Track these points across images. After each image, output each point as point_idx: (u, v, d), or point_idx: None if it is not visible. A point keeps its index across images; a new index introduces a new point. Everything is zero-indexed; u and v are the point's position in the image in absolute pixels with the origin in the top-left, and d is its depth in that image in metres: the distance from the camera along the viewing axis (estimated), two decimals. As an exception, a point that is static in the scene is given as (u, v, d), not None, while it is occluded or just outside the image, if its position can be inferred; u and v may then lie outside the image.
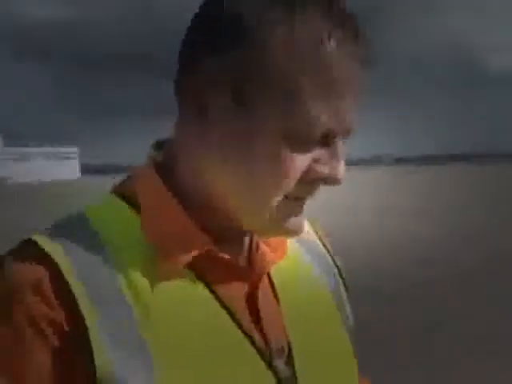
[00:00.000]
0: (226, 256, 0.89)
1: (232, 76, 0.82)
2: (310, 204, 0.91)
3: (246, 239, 0.95)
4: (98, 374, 0.79)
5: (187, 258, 0.87)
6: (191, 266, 0.87)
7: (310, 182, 0.85)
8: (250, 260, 0.95)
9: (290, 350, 0.93)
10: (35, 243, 0.83)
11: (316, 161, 0.84)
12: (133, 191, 0.91)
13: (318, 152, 0.84)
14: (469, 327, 6.99)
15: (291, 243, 1.02)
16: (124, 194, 0.92)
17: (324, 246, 1.10)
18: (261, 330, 0.91)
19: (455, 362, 5.92)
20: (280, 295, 0.96)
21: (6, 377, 0.79)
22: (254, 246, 0.95)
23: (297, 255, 1.03)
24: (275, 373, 0.90)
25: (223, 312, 0.88)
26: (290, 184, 0.84)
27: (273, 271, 0.97)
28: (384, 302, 8.23)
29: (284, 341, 0.93)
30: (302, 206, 0.88)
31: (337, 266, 1.09)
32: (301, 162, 0.83)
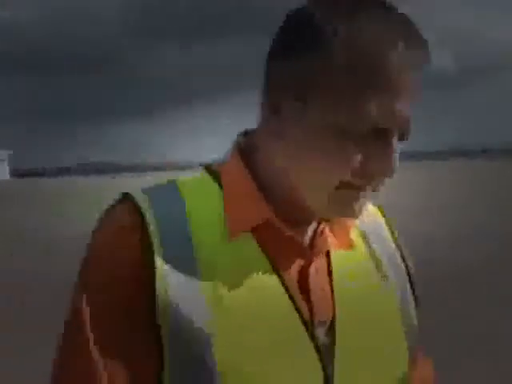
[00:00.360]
0: (286, 229, 1.00)
1: (298, 79, 0.93)
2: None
3: (313, 224, 1.04)
4: (157, 301, 0.92)
5: (251, 223, 0.99)
6: (255, 234, 0.99)
7: (365, 175, 0.93)
8: (313, 242, 1.04)
9: (333, 324, 1.01)
10: (128, 197, 0.99)
11: (371, 155, 0.92)
12: (220, 168, 1.05)
13: (374, 147, 0.92)
14: (469, 327, 6.99)
15: (360, 232, 1.11)
16: (212, 171, 1.05)
17: (396, 243, 1.15)
18: (308, 301, 1.00)
19: (455, 361, 5.92)
20: (335, 277, 1.04)
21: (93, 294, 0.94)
22: (319, 230, 1.05)
23: (362, 244, 1.11)
24: (314, 339, 0.98)
25: (274, 278, 0.98)
26: (345, 173, 0.93)
27: (335, 257, 1.06)
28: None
29: (329, 314, 1.01)
30: (360, 194, 0.96)
31: (408, 271, 1.13)
32: (357, 153, 0.92)
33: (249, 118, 1.10)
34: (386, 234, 1.15)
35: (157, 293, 0.92)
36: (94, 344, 0.92)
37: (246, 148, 1.05)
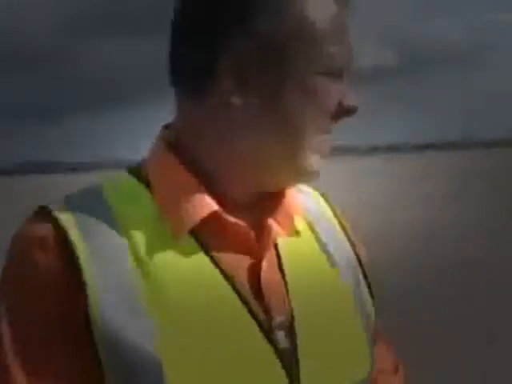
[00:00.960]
0: (232, 219, 0.92)
1: (262, 37, 0.89)
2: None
3: (255, 215, 0.97)
4: (90, 316, 0.84)
5: (193, 221, 0.90)
6: (196, 232, 0.91)
7: (341, 113, 0.93)
8: (257, 233, 0.95)
9: (292, 323, 0.93)
10: (46, 208, 0.90)
11: (343, 92, 0.93)
12: (144, 169, 0.96)
13: (342, 85, 0.93)
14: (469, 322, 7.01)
15: (307, 222, 1.04)
16: (136, 172, 0.96)
17: (345, 233, 1.09)
18: (262, 301, 0.92)
19: (455, 362, 5.93)
20: (287, 270, 0.97)
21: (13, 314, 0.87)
22: (262, 222, 0.97)
23: (313, 239, 1.04)
24: (274, 343, 0.90)
25: (222, 280, 0.90)
26: (328, 116, 0.92)
27: (281, 246, 0.98)
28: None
29: (287, 313, 0.94)
30: (328, 145, 0.95)
31: (359, 261, 1.08)
32: (334, 93, 0.92)
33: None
34: (333, 223, 1.09)
35: (90, 312, 0.84)
36: (19, 365, 0.85)
37: (174, 140, 0.96)
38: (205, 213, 0.91)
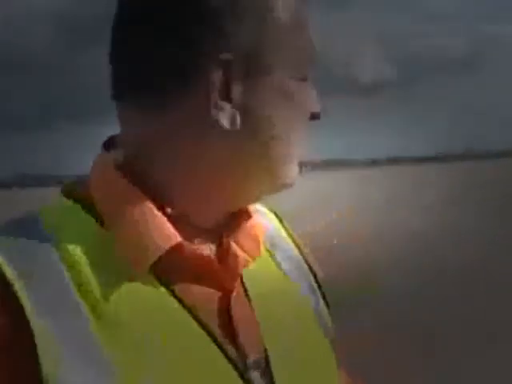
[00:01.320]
0: (196, 249, 0.82)
1: (243, 46, 0.81)
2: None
3: (214, 236, 0.87)
4: (43, 381, 0.72)
5: (154, 256, 0.79)
6: (156, 268, 0.80)
7: (313, 117, 0.89)
8: (221, 262, 0.86)
9: (267, 360, 0.86)
10: None
11: (314, 97, 0.89)
12: (87, 193, 0.83)
13: (310, 89, 0.88)
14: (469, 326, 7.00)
15: (264, 247, 0.95)
16: (75, 196, 0.84)
17: (300, 252, 1.02)
18: (234, 340, 0.84)
19: (455, 362, 5.92)
20: (254, 302, 0.89)
21: None
22: (224, 245, 0.88)
23: (270, 259, 0.97)
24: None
25: (191, 321, 0.81)
26: (306, 121, 0.88)
27: (246, 277, 0.90)
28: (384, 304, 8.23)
29: (261, 351, 0.86)
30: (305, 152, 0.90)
31: (315, 276, 1.01)
32: (311, 93, 0.88)
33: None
34: (287, 241, 1.02)
35: (44, 373, 0.72)
36: None
37: (124, 159, 0.84)
38: (167, 246, 0.80)
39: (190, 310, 0.81)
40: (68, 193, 0.85)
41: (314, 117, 0.89)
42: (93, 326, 0.75)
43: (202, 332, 0.81)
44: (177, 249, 0.80)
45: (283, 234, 1.03)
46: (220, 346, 0.81)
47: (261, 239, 0.91)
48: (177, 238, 0.80)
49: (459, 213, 19.79)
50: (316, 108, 0.88)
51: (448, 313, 7.67)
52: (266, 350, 0.87)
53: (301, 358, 0.91)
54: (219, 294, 0.85)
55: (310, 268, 1.02)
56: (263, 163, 0.84)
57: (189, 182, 0.83)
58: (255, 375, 0.84)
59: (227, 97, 0.81)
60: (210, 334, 0.81)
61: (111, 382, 0.74)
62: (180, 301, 0.81)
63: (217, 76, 0.80)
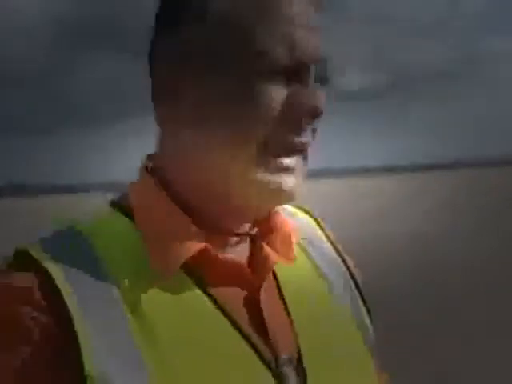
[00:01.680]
0: (222, 255, 0.84)
1: (192, 43, 0.83)
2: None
3: (247, 241, 0.90)
4: (87, 378, 0.75)
5: (182, 258, 0.82)
6: (187, 268, 0.83)
7: (291, 118, 0.82)
8: (252, 263, 0.88)
9: (299, 356, 0.87)
10: (26, 253, 0.81)
11: (291, 93, 0.82)
12: (128, 202, 0.88)
13: (293, 87, 0.82)
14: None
15: (303, 249, 0.97)
16: (120, 206, 0.88)
17: (339, 254, 1.02)
18: (265, 336, 0.84)
19: (455, 365, 5.95)
20: (289, 301, 0.90)
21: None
22: (257, 247, 0.90)
23: (306, 260, 0.97)
24: (283, 382, 0.84)
25: (222, 318, 0.82)
26: (267, 121, 0.81)
27: (279, 274, 0.91)
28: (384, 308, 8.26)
29: (293, 347, 0.87)
30: (292, 161, 0.83)
31: (353, 278, 1.01)
32: (275, 93, 0.81)
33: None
34: (324, 241, 1.01)
35: (86, 369, 0.75)
36: None
37: (156, 169, 0.88)
38: (192, 252, 0.82)
39: (222, 308, 0.83)
40: (113, 202, 0.89)
41: (302, 115, 0.82)
42: (131, 325, 0.78)
43: (233, 330, 0.82)
44: (203, 254, 0.83)
45: (318, 232, 1.02)
46: (251, 344, 0.82)
47: (293, 240, 0.91)
48: (201, 244, 0.83)
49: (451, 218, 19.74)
50: (306, 104, 0.82)
51: (444, 314, 7.70)
52: (299, 347, 0.87)
53: (335, 357, 0.91)
54: (248, 293, 0.86)
55: (349, 270, 1.01)
56: (238, 167, 0.83)
57: (206, 189, 0.85)
58: (288, 372, 0.85)
59: (184, 93, 0.84)
60: (241, 331, 0.82)
61: (147, 381, 0.76)
62: (212, 299, 0.83)
63: (170, 84, 0.85)
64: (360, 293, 1.00)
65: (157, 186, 0.86)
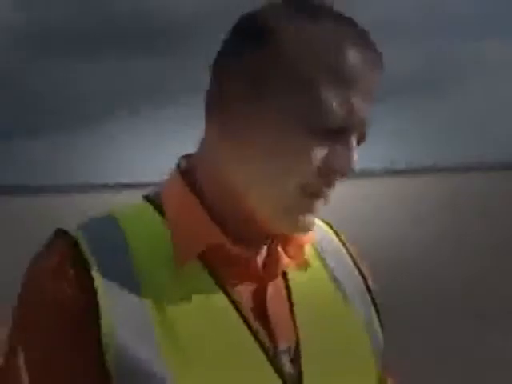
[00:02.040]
0: (237, 251, 0.92)
1: (250, 74, 0.89)
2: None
3: (266, 243, 0.97)
4: (104, 349, 0.84)
5: (199, 248, 0.91)
6: (205, 259, 0.92)
7: (327, 173, 0.88)
8: (266, 263, 0.96)
9: (298, 348, 0.94)
10: (64, 232, 0.91)
11: (332, 153, 0.88)
12: (159, 196, 0.97)
13: (334, 145, 0.88)
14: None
15: (320, 258, 1.04)
16: (152, 199, 0.97)
17: (356, 266, 1.08)
18: (268, 327, 0.92)
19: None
20: (296, 300, 0.97)
21: (27, 350, 0.86)
22: (272, 250, 0.97)
23: (321, 266, 1.03)
24: (279, 369, 0.91)
25: (229, 306, 0.90)
26: (306, 172, 0.88)
27: (291, 276, 0.98)
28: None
29: (292, 340, 0.94)
30: (317, 204, 0.91)
31: (369, 290, 1.07)
32: (318, 151, 0.88)
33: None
34: (341, 251, 1.08)
35: (103, 331, 0.85)
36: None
37: (188, 168, 0.97)
38: (209, 244, 0.92)
39: (232, 299, 0.91)
40: (147, 196, 0.98)
41: (330, 175, 0.89)
42: (148, 307, 0.87)
43: (239, 319, 0.90)
44: (217, 248, 0.92)
45: (336, 242, 1.08)
46: (254, 333, 0.90)
47: (306, 246, 0.99)
48: (216, 238, 0.92)
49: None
50: (334, 165, 0.88)
51: (439, 317, 7.74)
52: (298, 341, 0.94)
53: (334, 355, 0.96)
54: (258, 289, 0.94)
55: (364, 279, 1.07)
56: (260, 197, 0.91)
57: (220, 196, 0.94)
58: (284, 360, 0.92)
59: (231, 117, 0.92)
60: (247, 321, 0.90)
61: (159, 361, 0.85)
62: (223, 290, 0.91)
63: (222, 99, 0.92)
64: (373, 300, 1.06)
65: (187, 186, 0.95)
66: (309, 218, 0.91)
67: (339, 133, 0.88)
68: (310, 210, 0.91)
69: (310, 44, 0.88)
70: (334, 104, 0.86)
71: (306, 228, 0.92)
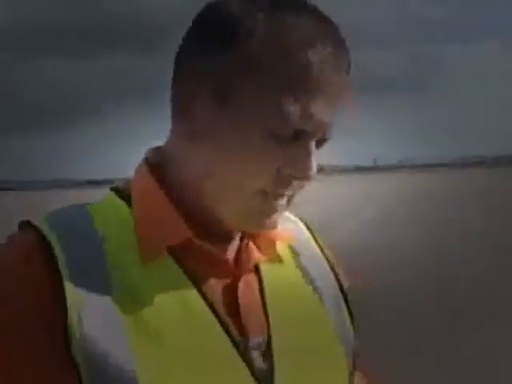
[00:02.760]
0: (207, 246, 0.92)
1: (216, 76, 0.88)
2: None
3: (236, 239, 0.97)
4: (69, 336, 0.83)
5: (167, 243, 0.91)
6: (174, 253, 0.91)
7: (286, 178, 0.89)
8: (237, 258, 0.96)
9: (270, 344, 0.93)
10: (29, 223, 0.90)
11: (291, 157, 0.88)
12: (128, 188, 0.96)
13: (292, 150, 0.88)
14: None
15: (295, 254, 1.05)
16: (120, 191, 0.97)
17: (330, 265, 1.09)
18: (239, 322, 0.92)
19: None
20: (268, 295, 0.97)
21: None
22: (243, 245, 0.97)
23: (294, 263, 1.04)
24: (250, 364, 0.90)
25: (200, 301, 0.90)
26: (264, 176, 0.89)
27: (264, 272, 0.99)
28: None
29: (265, 335, 0.94)
30: (277, 204, 0.91)
31: (341, 289, 1.08)
32: (275, 156, 0.88)
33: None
34: (315, 249, 1.09)
35: (69, 323, 0.83)
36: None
37: (156, 161, 0.98)
38: (178, 239, 0.91)
39: (203, 294, 0.90)
40: (115, 187, 0.98)
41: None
42: (118, 300, 0.86)
43: (209, 313, 0.89)
44: (188, 243, 0.91)
45: (312, 242, 1.09)
46: (225, 327, 0.90)
47: (277, 243, 1.01)
48: (186, 233, 0.91)
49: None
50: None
51: (432, 320, 7.59)
52: (269, 335, 0.94)
53: (306, 351, 0.96)
54: (229, 284, 0.94)
55: (337, 277, 1.08)
56: (222, 194, 0.91)
57: (197, 185, 0.93)
58: (255, 354, 0.92)
59: (195, 120, 0.92)
60: (215, 312, 0.90)
61: (129, 356, 0.83)
62: (194, 284, 0.90)
63: (187, 102, 0.92)
64: (345, 298, 1.07)
65: (156, 182, 0.94)
66: (273, 217, 0.92)
67: (299, 138, 0.88)
68: (272, 211, 0.92)
69: (275, 49, 0.87)
70: (293, 110, 0.86)
71: (271, 227, 0.94)
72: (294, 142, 0.88)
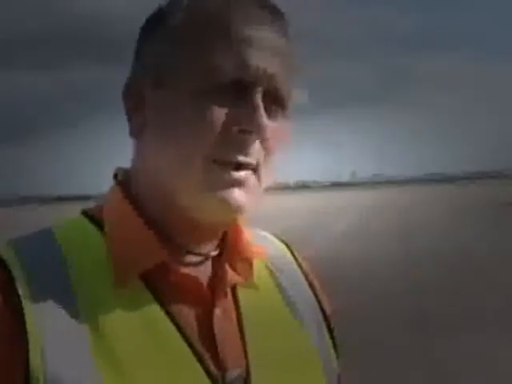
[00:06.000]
0: (181, 269, 0.88)
1: (155, 62, 0.89)
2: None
3: (210, 262, 0.93)
4: (31, 372, 0.79)
5: (141, 268, 0.87)
6: (147, 281, 0.87)
7: (235, 138, 0.85)
8: (212, 282, 0.92)
9: (249, 375, 0.89)
10: None
11: (235, 114, 0.85)
12: (100, 210, 0.93)
13: (238, 107, 0.85)
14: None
15: (272, 275, 1.00)
16: (91, 214, 0.93)
17: (311, 286, 1.04)
18: (215, 352, 0.88)
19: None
20: (245, 321, 0.93)
21: None
22: (219, 267, 0.93)
23: (273, 283, 1.00)
24: None
25: (173, 330, 0.86)
26: (205, 140, 0.84)
27: (241, 296, 0.95)
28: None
29: (243, 365, 0.90)
30: (240, 176, 0.86)
31: (323, 311, 1.03)
32: (220, 112, 0.85)
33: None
34: (298, 275, 1.04)
35: (31, 362, 0.79)
36: None
37: (126, 179, 0.94)
38: (151, 264, 0.87)
39: (175, 323, 0.86)
40: (86, 211, 0.94)
41: (238, 136, 0.86)
42: (85, 329, 0.82)
43: (184, 345, 0.85)
44: (162, 267, 0.87)
45: (293, 265, 1.04)
46: (200, 359, 0.85)
47: (253, 264, 0.95)
48: (160, 257, 0.87)
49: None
50: (243, 125, 0.85)
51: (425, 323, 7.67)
52: (248, 366, 0.89)
53: (284, 377, 0.92)
54: (204, 310, 0.89)
55: (319, 302, 1.03)
56: (182, 178, 0.87)
57: (163, 202, 0.90)
58: None
59: (146, 113, 0.90)
60: (192, 346, 0.86)
61: (96, 379, 0.80)
62: (167, 313, 0.86)
63: (135, 98, 0.91)
64: (328, 325, 1.02)
65: (124, 198, 0.91)
66: (236, 191, 0.86)
67: (240, 90, 0.85)
68: (233, 183, 0.86)
69: (197, 15, 0.87)
70: (221, 60, 0.84)
71: (236, 204, 0.86)
72: (238, 100, 0.85)
